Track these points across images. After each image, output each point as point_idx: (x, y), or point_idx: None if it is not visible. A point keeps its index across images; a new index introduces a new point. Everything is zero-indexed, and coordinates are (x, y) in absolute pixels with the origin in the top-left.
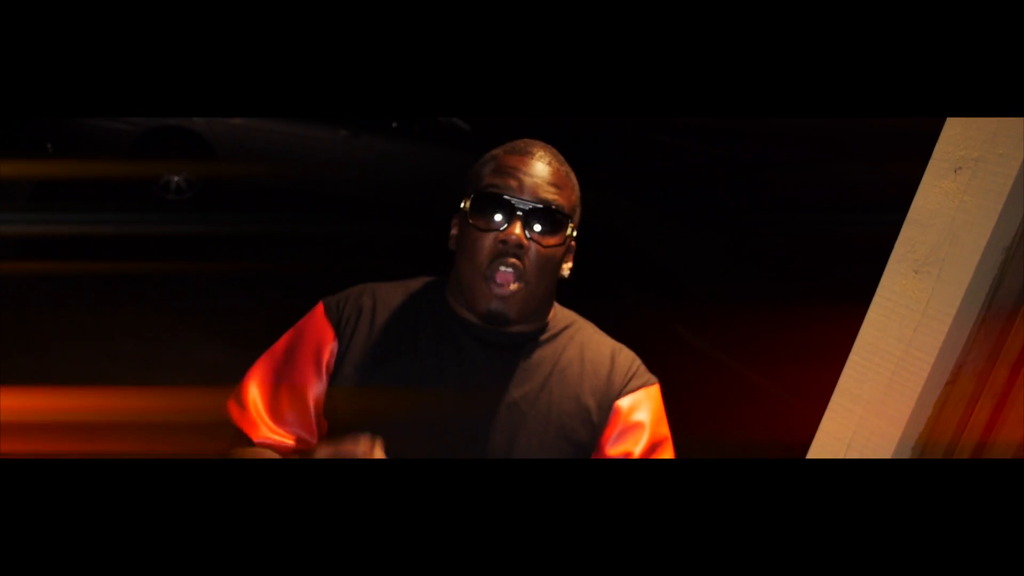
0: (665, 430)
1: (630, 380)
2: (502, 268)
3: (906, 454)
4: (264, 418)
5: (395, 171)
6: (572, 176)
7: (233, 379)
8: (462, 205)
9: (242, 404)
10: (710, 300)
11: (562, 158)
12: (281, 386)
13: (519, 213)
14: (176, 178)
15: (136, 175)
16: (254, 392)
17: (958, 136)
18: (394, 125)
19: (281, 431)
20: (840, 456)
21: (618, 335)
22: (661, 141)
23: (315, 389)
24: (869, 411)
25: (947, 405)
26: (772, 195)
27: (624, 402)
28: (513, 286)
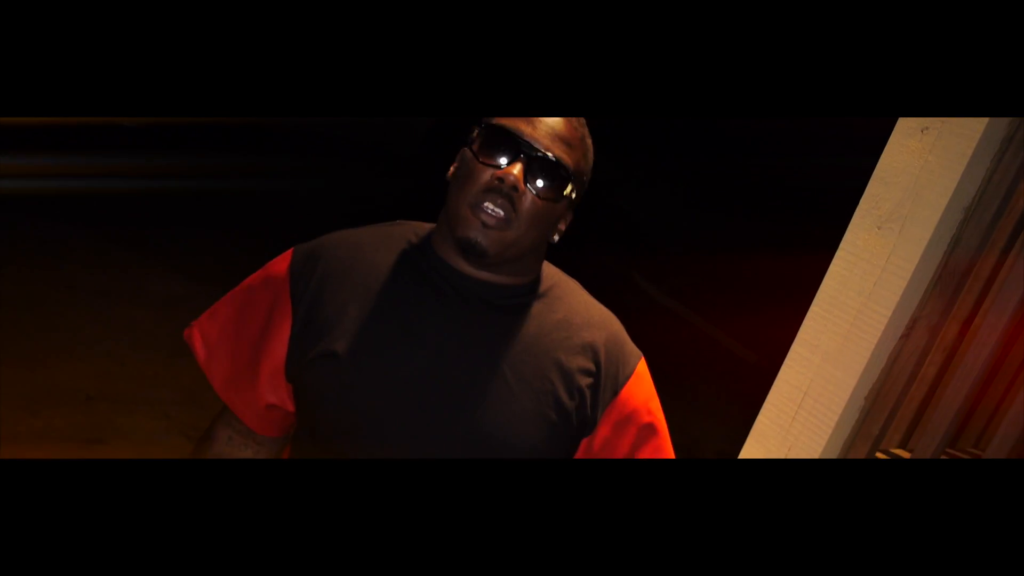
0: (657, 406)
1: (623, 365)
2: (489, 204)
3: (859, 403)
4: (226, 372)
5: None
6: (588, 141)
7: (189, 310)
8: (472, 132)
9: (208, 346)
10: (668, 249)
11: (584, 120)
12: (240, 343)
13: (522, 156)
14: None
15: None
16: (219, 341)
17: None
18: None
19: (237, 387)
20: (797, 401)
21: (578, 281)
22: None
23: (271, 351)
24: (827, 361)
25: (900, 357)
26: (733, 145)
27: (623, 394)
28: (498, 220)
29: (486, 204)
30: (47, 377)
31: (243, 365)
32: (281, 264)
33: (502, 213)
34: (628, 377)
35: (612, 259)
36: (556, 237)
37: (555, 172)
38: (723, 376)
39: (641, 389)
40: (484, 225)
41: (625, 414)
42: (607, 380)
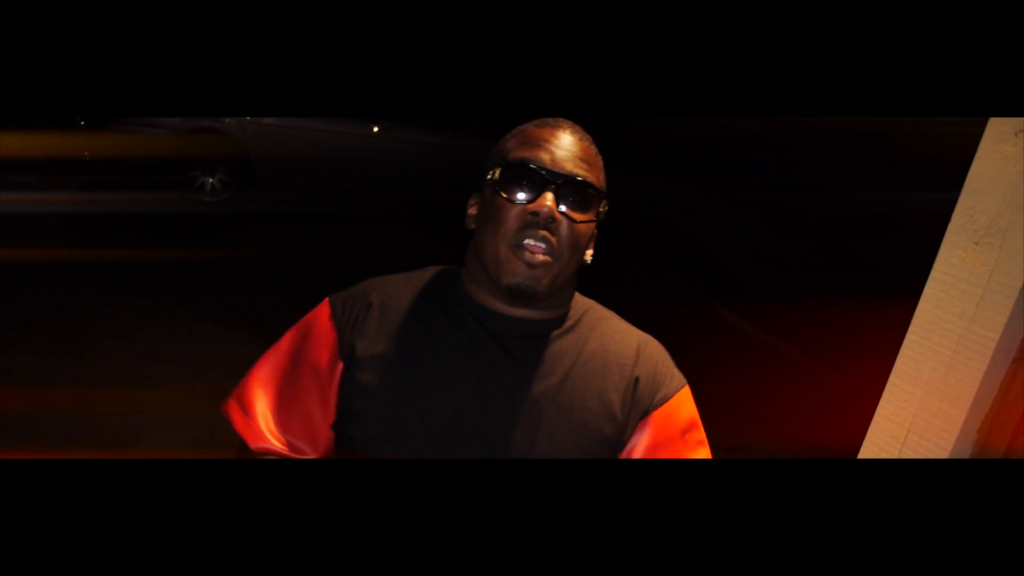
0: (701, 434)
1: (660, 386)
2: (531, 240)
3: (971, 436)
4: (271, 427)
5: (428, 163)
6: (600, 158)
7: None
8: (488, 176)
9: (246, 410)
10: (752, 280)
11: (591, 138)
12: (286, 395)
13: (551, 185)
14: (211, 180)
15: (172, 174)
16: (260, 399)
17: None
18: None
19: (283, 442)
20: (900, 439)
21: (660, 319)
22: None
23: (321, 400)
24: (929, 392)
25: (1014, 384)
26: (813, 170)
27: (658, 415)
28: (543, 256)
29: (527, 241)
30: (140, 450)
31: (286, 423)
32: (320, 316)
33: (544, 247)
34: (667, 399)
35: (691, 290)
36: (589, 258)
37: (585, 192)
38: (819, 408)
39: (682, 414)
40: (529, 266)
41: (662, 438)
42: (643, 397)
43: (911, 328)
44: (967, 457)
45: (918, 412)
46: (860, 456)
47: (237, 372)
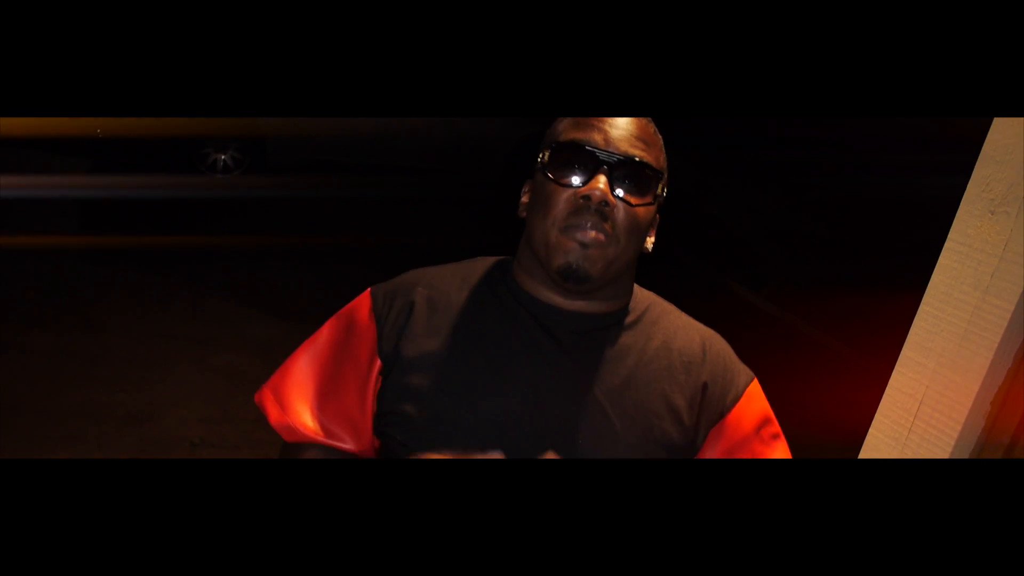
0: (775, 428)
1: (730, 387)
2: (582, 227)
3: (984, 409)
4: (309, 422)
5: (448, 139)
6: (660, 137)
7: (288, 350)
8: (539, 159)
9: (283, 404)
10: (765, 256)
11: (650, 117)
12: (327, 389)
13: (604, 167)
14: (223, 156)
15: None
16: (298, 392)
17: None
18: None
19: (323, 434)
20: (912, 412)
21: (672, 294)
22: None
23: (359, 396)
24: (943, 364)
25: None
26: (827, 148)
27: (731, 417)
28: (597, 234)
29: (578, 223)
30: (153, 428)
31: (326, 418)
32: (361, 309)
33: (595, 233)
34: (737, 399)
35: (706, 267)
36: (650, 245)
37: (641, 174)
38: (832, 382)
39: (753, 411)
40: (583, 245)
41: (736, 440)
42: (713, 402)
43: (924, 299)
44: (979, 430)
45: (931, 384)
46: (872, 429)
47: (250, 350)
